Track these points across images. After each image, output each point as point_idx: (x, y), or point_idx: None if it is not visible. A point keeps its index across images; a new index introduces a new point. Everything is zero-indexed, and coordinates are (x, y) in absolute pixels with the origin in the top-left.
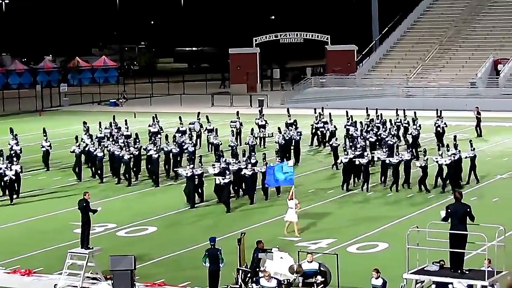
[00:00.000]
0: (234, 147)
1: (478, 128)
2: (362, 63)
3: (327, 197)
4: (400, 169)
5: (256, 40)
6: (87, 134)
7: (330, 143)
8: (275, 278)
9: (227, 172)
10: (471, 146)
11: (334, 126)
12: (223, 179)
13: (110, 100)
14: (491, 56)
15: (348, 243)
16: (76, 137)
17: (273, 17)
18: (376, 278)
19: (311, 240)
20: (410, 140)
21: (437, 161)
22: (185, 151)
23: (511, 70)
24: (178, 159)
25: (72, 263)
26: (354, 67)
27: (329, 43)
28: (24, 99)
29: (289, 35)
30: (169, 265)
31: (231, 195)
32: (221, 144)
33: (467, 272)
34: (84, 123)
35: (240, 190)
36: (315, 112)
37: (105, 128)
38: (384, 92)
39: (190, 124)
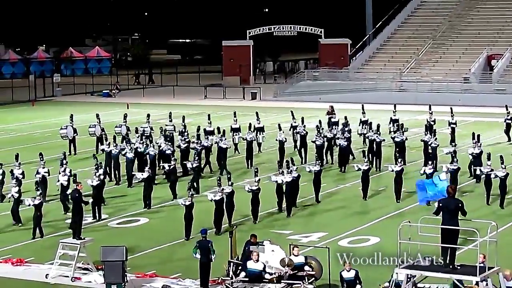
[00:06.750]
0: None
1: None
2: (355, 57)
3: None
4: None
5: (249, 33)
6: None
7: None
8: (262, 262)
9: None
10: None
11: None
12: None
13: (103, 91)
14: (484, 51)
15: (340, 237)
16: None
17: (266, 9)
18: (348, 271)
19: (302, 234)
20: None
21: None
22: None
23: (504, 65)
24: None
25: (64, 253)
26: (347, 61)
27: (323, 36)
28: (17, 89)
29: (283, 28)
30: (160, 256)
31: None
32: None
33: (458, 267)
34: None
35: None
36: (430, 109)
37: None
38: (377, 87)
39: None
